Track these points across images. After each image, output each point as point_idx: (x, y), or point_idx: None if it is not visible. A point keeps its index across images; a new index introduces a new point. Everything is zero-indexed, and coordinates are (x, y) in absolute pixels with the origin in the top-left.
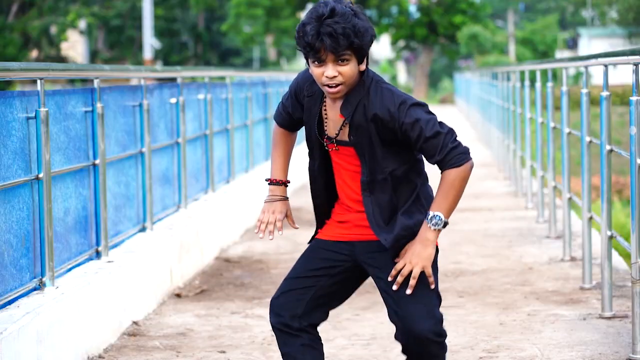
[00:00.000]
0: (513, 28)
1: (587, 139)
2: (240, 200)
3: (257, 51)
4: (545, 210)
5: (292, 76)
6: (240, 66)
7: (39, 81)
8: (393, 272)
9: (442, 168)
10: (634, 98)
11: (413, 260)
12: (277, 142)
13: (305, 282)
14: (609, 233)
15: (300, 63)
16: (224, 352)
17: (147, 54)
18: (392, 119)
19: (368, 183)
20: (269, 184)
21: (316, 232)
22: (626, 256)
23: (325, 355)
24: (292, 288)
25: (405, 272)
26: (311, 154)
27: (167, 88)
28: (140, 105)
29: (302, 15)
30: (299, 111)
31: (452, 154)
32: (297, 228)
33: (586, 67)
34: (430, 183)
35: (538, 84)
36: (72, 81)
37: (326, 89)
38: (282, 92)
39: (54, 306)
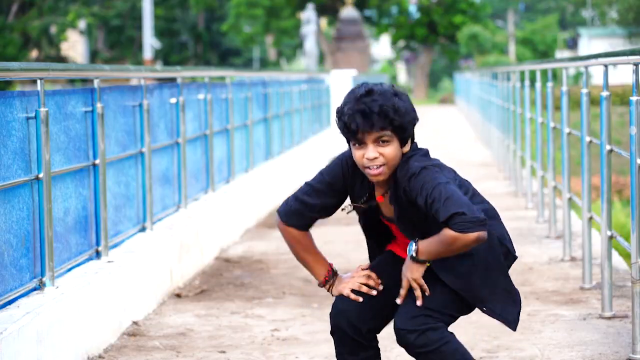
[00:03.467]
0: (513, 28)
1: (587, 139)
2: (240, 200)
3: (257, 51)
4: (545, 210)
5: (292, 76)
6: (240, 66)
7: (39, 81)
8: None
9: (445, 227)
10: (634, 98)
11: (404, 276)
12: (304, 247)
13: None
14: (609, 233)
15: (300, 63)
16: (224, 352)
17: (147, 54)
18: (411, 194)
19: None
20: (323, 285)
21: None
22: (626, 256)
23: (325, 354)
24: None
25: (405, 285)
26: (362, 220)
27: (167, 88)
28: (140, 105)
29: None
30: (336, 191)
31: (457, 219)
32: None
33: (586, 67)
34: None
35: (538, 84)
36: (72, 81)
37: (367, 171)
38: (282, 92)
39: (54, 306)
